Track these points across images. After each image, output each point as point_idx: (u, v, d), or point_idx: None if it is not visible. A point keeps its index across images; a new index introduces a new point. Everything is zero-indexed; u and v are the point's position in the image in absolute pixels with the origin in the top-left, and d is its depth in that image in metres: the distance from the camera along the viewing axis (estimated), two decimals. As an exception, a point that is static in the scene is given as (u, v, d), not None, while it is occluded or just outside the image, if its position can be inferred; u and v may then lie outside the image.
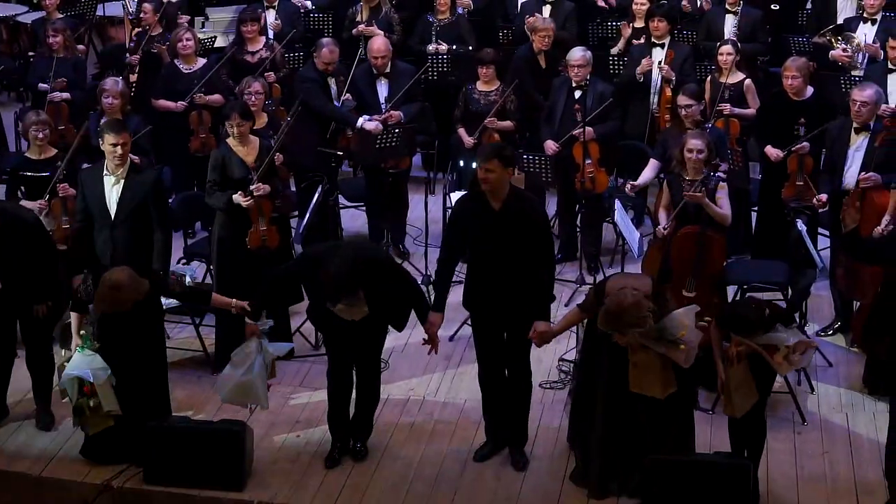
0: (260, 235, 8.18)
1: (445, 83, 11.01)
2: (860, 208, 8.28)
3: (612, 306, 6.52)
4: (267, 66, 10.65)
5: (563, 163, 9.61)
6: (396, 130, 9.73)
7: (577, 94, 9.69)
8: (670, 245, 8.16)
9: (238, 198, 8.08)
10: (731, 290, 8.52)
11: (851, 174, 8.55)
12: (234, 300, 7.36)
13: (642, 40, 10.87)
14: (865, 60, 10.61)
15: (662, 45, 10.61)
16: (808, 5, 12.31)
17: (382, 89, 10.04)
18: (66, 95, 10.47)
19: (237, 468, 7.10)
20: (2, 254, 7.38)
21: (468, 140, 9.95)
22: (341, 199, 9.92)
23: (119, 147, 7.76)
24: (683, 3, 11.74)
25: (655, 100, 10.52)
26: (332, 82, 10.05)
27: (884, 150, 8.41)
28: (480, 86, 10.06)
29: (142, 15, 11.31)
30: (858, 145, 8.59)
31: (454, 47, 11.31)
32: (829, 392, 8.10)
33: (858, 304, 8.30)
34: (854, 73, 10.53)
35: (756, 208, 9.83)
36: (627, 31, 11.04)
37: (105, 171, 7.85)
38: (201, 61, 10.53)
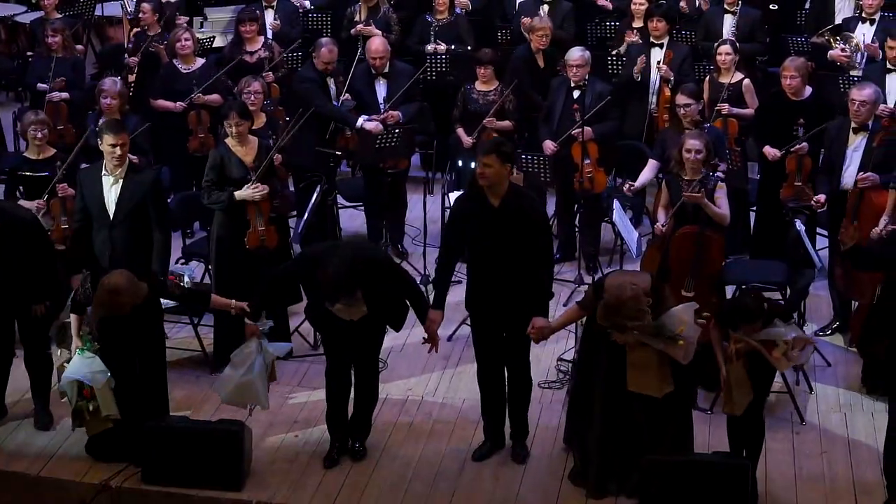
0: (258, 235, 8.18)
1: (444, 83, 11.01)
2: (857, 208, 8.27)
3: (611, 299, 6.53)
4: (266, 65, 10.65)
5: (561, 163, 9.61)
6: (396, 131, 9.73)
7: (576, 94, 9.70)
8: (669, 245, 8.16)
9: (243, 192, 8.06)
10: (729, 290, 8.52)
11: (850, 174, 8.55)
12: (233, 301, 7.36)
13: (638, 38, 10.86)
14: (864, 60, 10.62)
15: (661, 45, 10.62)
16: (807, 5, 12.32)
17: (381, 89, 10.04)
18: (64, 95, 10.47)
19: (235, 468, 7.10)
20: (0, 253, 7.38)
21: (467, 140, 9.95)
22: (340, 199, 9.92)
23: (118, 147, 7.76)
24: (682, 4, 11.75)
25: (654, 100, 10.53)
26: (331, 82, 10.04)
27: (882, 150, 8.41)
28: (479, 86, 10.06)
29: (140, 15, 11.31)
30: (856, 145, 8.59)
31: (453, 47, 11.32)
32: (828, 392, 8.10)
33: (857, 304, 8.31)
34: (852, 73, 10.54)
35: (755, 208, 9.83)
36: (632, 37, 11.00)
37: (104, 172, 7.85)
38: (200, 61, 10.54)
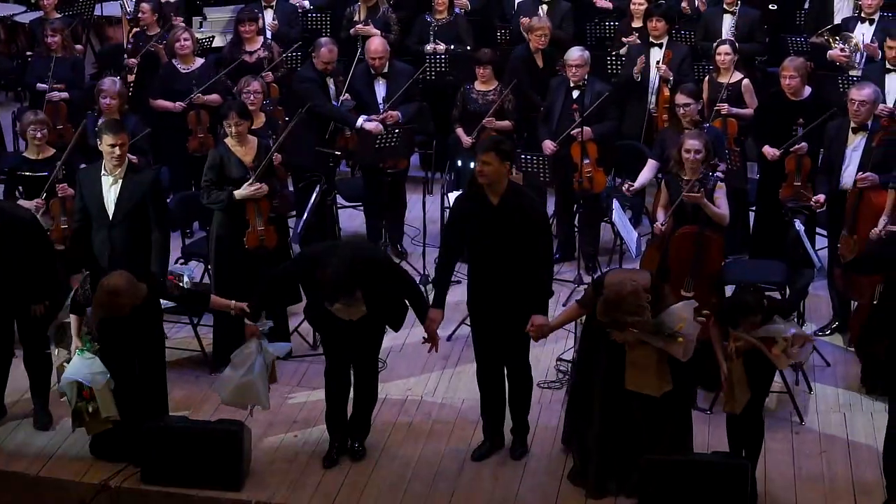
0: (258, 235, 8.18)
1: (443, 83, 11.00)
2: (856, 217, 8.27)
3: (610, 295, 6.53)
4: (265, 65, 10.66)
5: (560, 162, 9.61)
6: (396, 131, 9.73)
7: (575, 94, 9.70)
8: (668, 245, 8.16)
9: (242, 191, 8.06)
10: (728, 290, 8.51)
11: (849, 174, 8.56)
12: (233, 301, 7.35)
13: (636, 38, 10.87)
14: (863, 60, 10.62)
15: (660, 45, 10.62)
16: (806, 5, 12.32)
17: (380, 89, 10.05)
18: (64, 95, 10.47)
19: (235, 468, 7.10)
20: (-1, 253, 7.39)
21: (466, 140, 9.95)
22: (339, 199, 9.92)
23: (117, 147, 7.77)
24: (683, 4, 11.74)
25: (653, 100, 10.53)
26: (330, 82, 10.05)
27: (881, 150, 8.41)
28: (478, 86, 10.06)
29: (140, 15, 11.31)
30: (856, 145, 8.59)
31: (452, 47, 11.31)
32: (827, 392, 8.10)
33: (856, 304, 8.31)
34: (852, 72, 10.54)
35: (754, 208, 9.84)
36: (632, 39, 10.99)
37: (103, 172, 7.86)
38: (199, 61, 10.54)
